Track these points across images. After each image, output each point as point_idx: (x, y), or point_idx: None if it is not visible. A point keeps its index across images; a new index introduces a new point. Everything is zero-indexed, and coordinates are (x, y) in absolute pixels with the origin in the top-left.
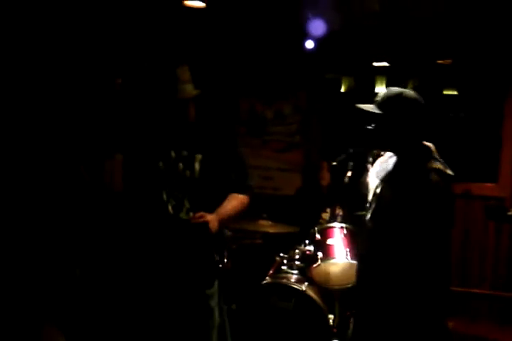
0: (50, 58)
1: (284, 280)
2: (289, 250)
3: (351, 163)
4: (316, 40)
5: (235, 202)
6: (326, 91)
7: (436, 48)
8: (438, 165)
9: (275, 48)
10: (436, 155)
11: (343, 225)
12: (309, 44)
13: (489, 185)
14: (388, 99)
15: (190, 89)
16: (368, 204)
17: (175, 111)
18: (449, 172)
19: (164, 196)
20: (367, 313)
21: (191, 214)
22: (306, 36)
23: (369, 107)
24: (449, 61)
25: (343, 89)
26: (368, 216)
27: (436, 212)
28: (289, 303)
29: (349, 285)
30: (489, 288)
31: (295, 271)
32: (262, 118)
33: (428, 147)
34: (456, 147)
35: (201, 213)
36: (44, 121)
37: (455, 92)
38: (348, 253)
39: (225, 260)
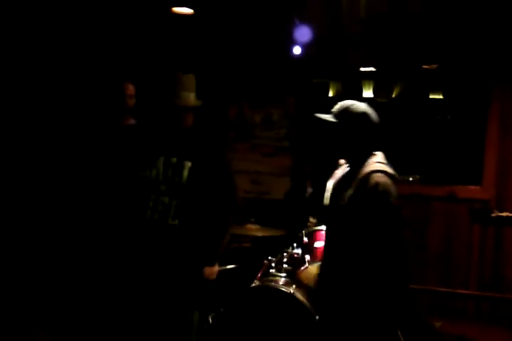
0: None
1: (272, 284)
2: (277, 253)
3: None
4: (303, 46)
5: (227, 240)
6: (314, 96)
7: (422, 53)
8: (380, 167)
9: (263, 54)
10: (382, 160)
11: None
12: (296, 50)
13: (473, 187)
14: (340, 110)
15: (192, 98)
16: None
17: (172, 117)
18: (391, 171)
19: (151, 203)
20: (329, 313)
21: (177, 220)
22: (294, 42)
23: (326, 117)
24: (434, 66)
25: (331, 94)
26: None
27: (376, 212)
28: (277, 306)
29: None
30: (476, 288)
31: (283, 274)
32: (251, 122)
33: (375, 154)
34: (441, 150)
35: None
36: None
37: (440, 96)
38: None
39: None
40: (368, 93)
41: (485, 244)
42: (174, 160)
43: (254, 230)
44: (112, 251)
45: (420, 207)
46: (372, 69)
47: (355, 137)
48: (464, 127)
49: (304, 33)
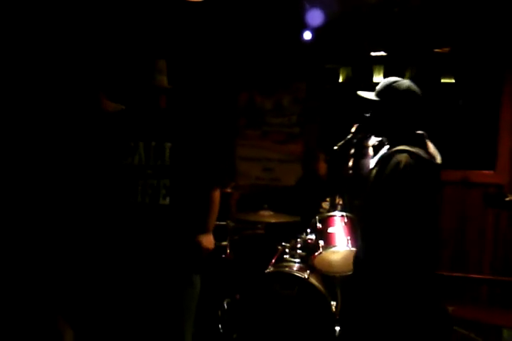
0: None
1: (287, 269)
2: (291, 239)
3: (352, 151)
4: (314, 31)
5: (215, 208)
6: (325, 81)
7: (434, 37)
8: (414, 149)
9: (274, 39)
10: (429, 142)
11: (344, 214)
12: (307, 35)
13: (487, 172)
14: (384, 87)
15: (165, 81)
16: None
17: (149, 98)
18: (424, 155)
19: (139, 188)
20: (362, 298)
21: (168, 199)
22: (304, 27)
23: (368, 94)
24: (446, 49)
25: (341, 79)
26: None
27: (404, 194)
28: (292, 291)
29: (350, 273)
30: (489, 273)
31: (297, 260)
32: (261, 109)
33: (421, 134)
34: (454, 135)
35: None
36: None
37: (452, 80)
38: (349, 241)
39: (228, 250)
40: (378, 78)
41: (498, 229)
42: (153, 143)
43: (268, 216)
44: (111, 240)
45: None
46: (383, 53)
47: (397, 115)
48: (477, 111)
49: (314, 18)
